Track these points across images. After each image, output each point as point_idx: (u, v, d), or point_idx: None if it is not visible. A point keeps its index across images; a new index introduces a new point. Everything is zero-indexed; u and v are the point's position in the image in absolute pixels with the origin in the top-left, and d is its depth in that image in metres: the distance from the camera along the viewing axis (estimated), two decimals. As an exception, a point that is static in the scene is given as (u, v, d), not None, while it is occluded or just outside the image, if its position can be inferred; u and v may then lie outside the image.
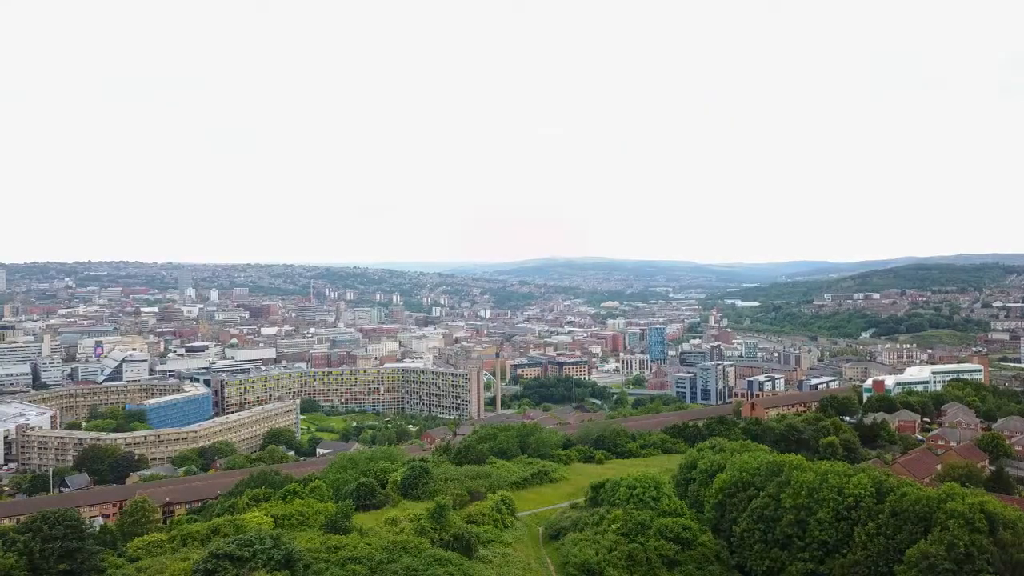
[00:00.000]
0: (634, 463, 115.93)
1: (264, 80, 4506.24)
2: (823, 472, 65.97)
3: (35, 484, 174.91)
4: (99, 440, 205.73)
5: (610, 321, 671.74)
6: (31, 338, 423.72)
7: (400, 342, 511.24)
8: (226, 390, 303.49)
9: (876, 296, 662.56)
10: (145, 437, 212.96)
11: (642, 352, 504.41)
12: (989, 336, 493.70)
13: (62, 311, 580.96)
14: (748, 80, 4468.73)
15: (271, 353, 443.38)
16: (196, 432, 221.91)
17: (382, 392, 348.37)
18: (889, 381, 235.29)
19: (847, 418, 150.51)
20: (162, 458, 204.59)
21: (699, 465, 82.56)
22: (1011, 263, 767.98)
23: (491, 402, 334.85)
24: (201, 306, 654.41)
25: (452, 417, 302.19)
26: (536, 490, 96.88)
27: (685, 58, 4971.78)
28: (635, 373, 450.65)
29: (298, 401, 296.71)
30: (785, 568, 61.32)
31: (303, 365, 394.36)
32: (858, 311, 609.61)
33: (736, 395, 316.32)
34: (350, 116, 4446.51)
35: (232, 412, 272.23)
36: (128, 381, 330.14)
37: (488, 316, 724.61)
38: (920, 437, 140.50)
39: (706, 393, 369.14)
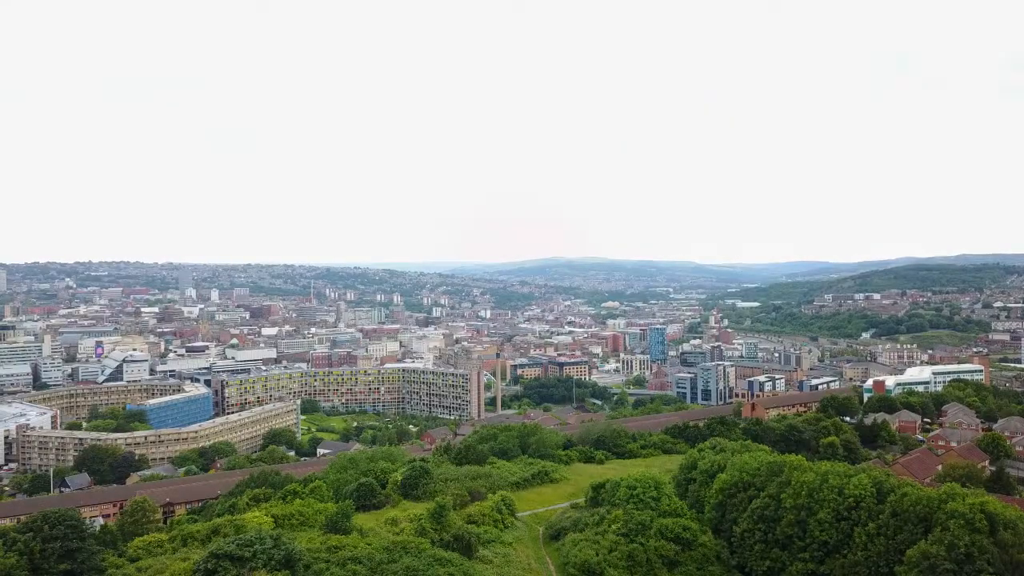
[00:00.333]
0: (635, 463, 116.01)
1: (264, 80, 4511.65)
2: (823, 472, 66.00)
3: (35, 484, 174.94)
4: (99, 440, 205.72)
5: (610, 321, 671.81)
6: (32, 338, 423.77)
7: (401, 342, 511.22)
8: (226, 390, 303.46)
9: (876, 296, 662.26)
10: (145, 437, 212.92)
11: (642, 352, 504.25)
12: (989, 336, 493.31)
13: (63, 311, 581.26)
14: (748, 80, 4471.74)
15: (271, 353, 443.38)
16: (196, 432, 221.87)
17: (382, 392, 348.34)
18: (889, 381, 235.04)
19: (847, 418, 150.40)
20: (162, 458, 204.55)
21: (699, 465, 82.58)
22: (1012, 263, 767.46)
23: (491, 402, 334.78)
24: (202, 306, 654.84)
25: (452, 417, 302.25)
26: (536, 490, 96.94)
27: (685, 58, 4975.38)
28: (635, 373, 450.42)
29: (298, 401, 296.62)
30: (785, 568, 61.32)
31: (303, 365, 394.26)
32: (858, 311, 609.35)
33: (736, 395, 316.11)
34: (350, 116, 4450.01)
35: (232, 412, 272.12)
36: (128, 381, 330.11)
37: (488, 316, 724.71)
38: (920, 437, 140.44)
39: (706, 393, 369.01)
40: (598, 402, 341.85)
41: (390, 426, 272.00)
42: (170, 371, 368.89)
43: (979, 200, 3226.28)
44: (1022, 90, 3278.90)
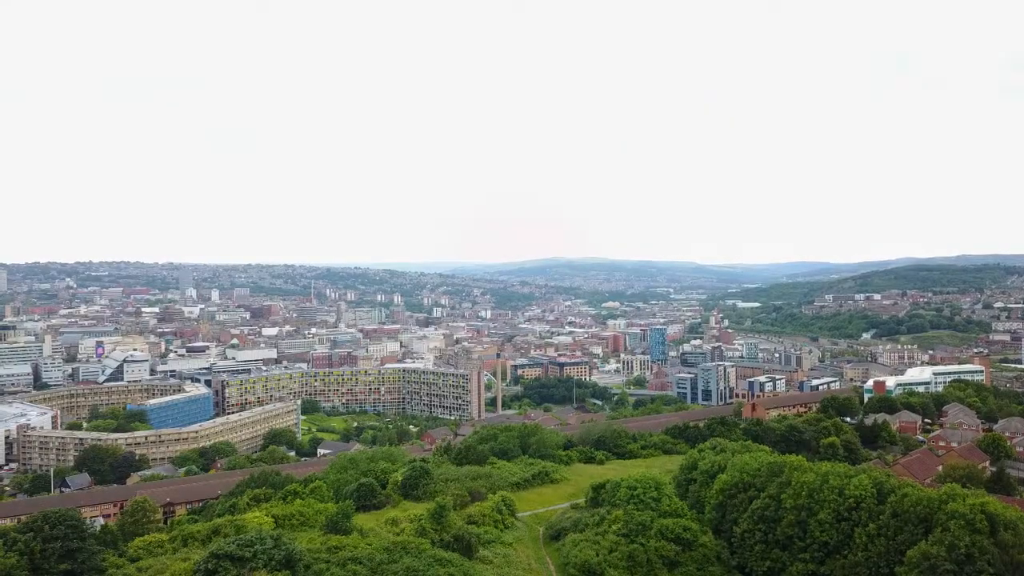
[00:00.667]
0: (635, 464, 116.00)
1: (264, 80, 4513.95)
2: (824, 473, 65.99)
3: (36, 484, 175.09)
4: (100, 440, 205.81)
5: (611, 322, 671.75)
6: (32, 338, 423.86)
7: (401, 342, 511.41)
8: (227, 390, 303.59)
9: (877, 297, 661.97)
10: (146, 437, 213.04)
11: (643, 353, 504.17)
12: (990, 337, 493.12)
13: (63, 311, 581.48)
14: (748, 80, 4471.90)
15: (272, 353, 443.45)
16: (197, 432, 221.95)
17: (383, 392, 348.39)
18: (890, 382, 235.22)
19: (848, 419, 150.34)
20: (163, 458, 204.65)
21: (700, 466, 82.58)
22: (1012, 264, 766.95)
23: (492, 402, 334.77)
24: (202, 306, 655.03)
25: (453, 417, 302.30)
26: (537, 491, 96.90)
27: (685, 58, 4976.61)
28: (636, 374, 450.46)
29: (299, 401, 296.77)
30: (786, 569, 61.32)
31: (304, 365, 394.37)
32: (859, 312, 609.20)
33: (737, 396, 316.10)
34: (351, 116, 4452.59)
35: (233, 412, 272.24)
36: (129, 381, 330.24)
37: (489, 316, 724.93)
38: (921, 438, 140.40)
39: (707, 394, 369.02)
40: (598, 402, 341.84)
41: (390, 426, 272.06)
42: (170, 371, 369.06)
43: (979, 200, 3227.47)
44: (1022, 90, 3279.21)
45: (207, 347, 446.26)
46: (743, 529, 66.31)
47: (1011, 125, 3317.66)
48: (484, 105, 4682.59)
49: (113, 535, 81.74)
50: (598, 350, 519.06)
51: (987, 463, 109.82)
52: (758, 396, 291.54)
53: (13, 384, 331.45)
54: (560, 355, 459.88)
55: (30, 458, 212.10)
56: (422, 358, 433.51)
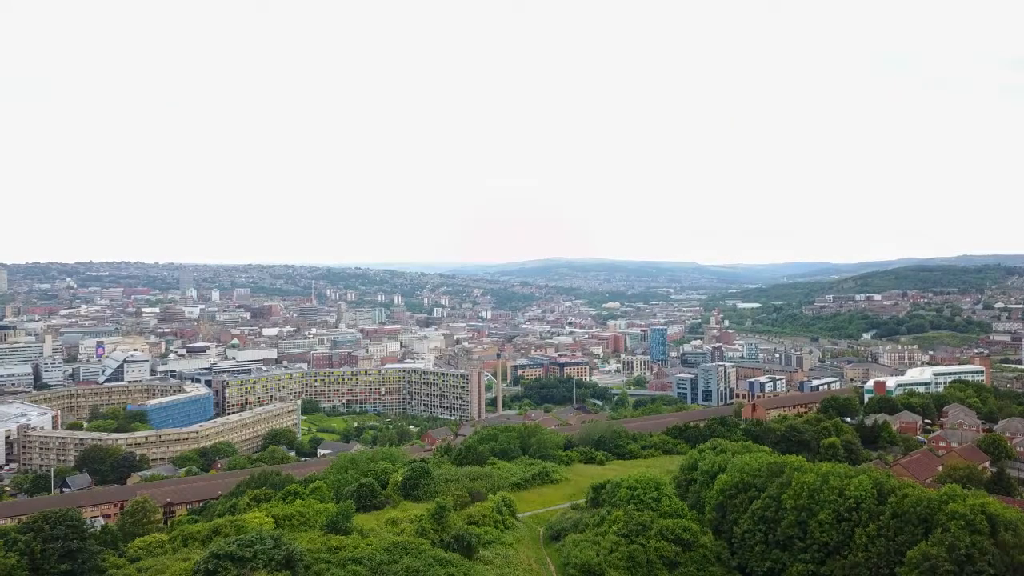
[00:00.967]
0: (635, 464, 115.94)
1: (264, 80, 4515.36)
2: (824, 473, 65.93)
3: (36, 484, 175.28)
4: (100, 440, 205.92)
5: (611, 322, 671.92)
6: (32, 338, 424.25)
7: (401, 343, 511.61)
8: (227, 390, 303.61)
9: (877, 297, 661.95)
10: (146, 437, 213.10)
11: (643, 353, 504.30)
12: (990, 337, 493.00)
13: (63, 311, 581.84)
14: (748, 80, 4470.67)
15: (272, 354, 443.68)
16: (197, 432, 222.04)
17: (383, 393, 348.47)
18: (890, 382, 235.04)
19: (848, 419, 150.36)
20: (163, 458, 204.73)
21: (700, 466, 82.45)
22: (1013, 264, 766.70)
23: (492, 403, 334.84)
24: (202, 307, 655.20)
25: (453, 418, 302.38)
26: (537, 491, 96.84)
27: (685, 58, 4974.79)
28: (636, 374, 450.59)
29: (299, 402, 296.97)
30: (786, 569, 61.28)
31: (304, 366, 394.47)
32: (859, 312, 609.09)
33: (737, 396, 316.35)
34: (351, 116, 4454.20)
35: (233, 413, 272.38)
36: (129, 381, 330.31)
37: (489, 317, 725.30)
38: (921, 438, 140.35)
39: (707, 394, 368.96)
40: (599, 403, 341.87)
41: (391, 426, 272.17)
42: (171, 371, 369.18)
43: (980, 201, 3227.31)
44: (1022, 90, 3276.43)
45: (207, 347, 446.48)
46: (743, 529, 66.28)
47: (1011, 125, 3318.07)
48: (484, 105, 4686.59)
49: (113, 535, 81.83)
50: (598, 350, 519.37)
51: (987, 464, 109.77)
52: (758, 396, 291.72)
53: (13, 384, 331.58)
54: (560, 355, 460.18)
55: (30, 458, 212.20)
56: (422, 358, 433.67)
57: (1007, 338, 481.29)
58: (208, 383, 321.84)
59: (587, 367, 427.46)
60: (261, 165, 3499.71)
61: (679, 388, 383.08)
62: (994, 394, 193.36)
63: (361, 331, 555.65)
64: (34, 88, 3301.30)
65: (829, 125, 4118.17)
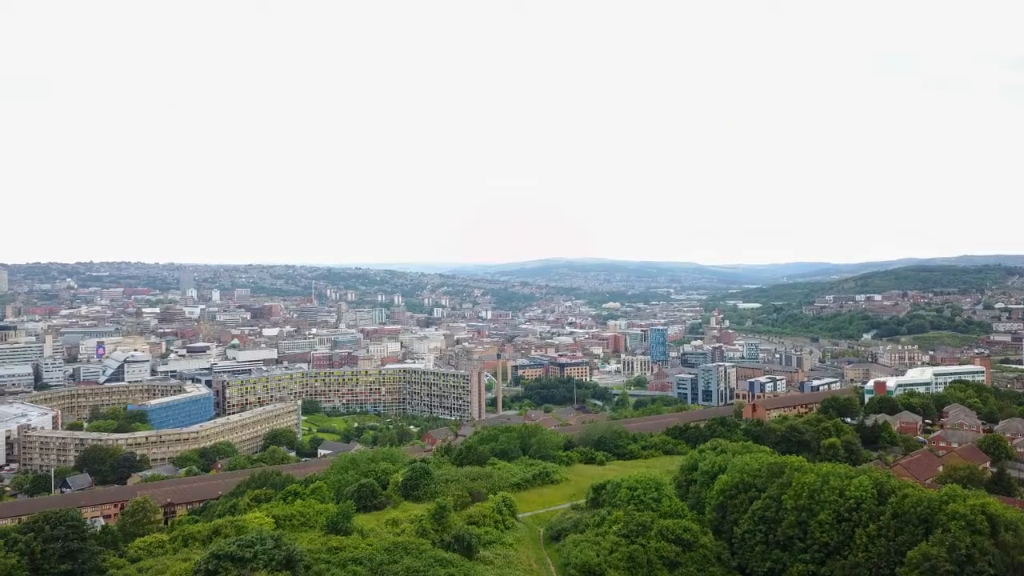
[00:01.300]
0: (635, 464, 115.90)
1: (265, 80, 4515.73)
2: (824, 474, 65.96)
3: (37, 484, 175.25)
4: (100, 440, 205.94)
5: (611, 322, 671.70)
6: (33, 339, 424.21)
7: (401, 343, 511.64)
8: (227, 391, 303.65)
9: (878, 297, 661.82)
10: (146, 438, 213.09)
11: (643, 353, 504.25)
12: (991, 338, 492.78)
13: (64, 312, 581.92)
14: (748, 80, 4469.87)
15: (272, 354, 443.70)
16: (197, 433, 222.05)
17: (383, 393, 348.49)
18: (891, 382, 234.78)
19: (848, 419, 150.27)
20: (163, 459, 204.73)
21: (700, 466, 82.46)
22: (1013, 264, 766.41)
23: (492, 403, 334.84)
24: (203, 307, 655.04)
25: (453, 418, 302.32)
26: (537, 491, 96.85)
27: (685, 58, 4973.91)
28: (636, 374, 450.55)
29: (299, 402, 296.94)
30: (786, 570, 61.31)
31: (304, 366, 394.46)
32: (859, 312, 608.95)
33: (737, 396, 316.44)
34: (351, 116, 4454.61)
35: (233, 413, 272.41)
36: (130, 382, 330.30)
37: (489, 317, 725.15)
38: (921, 439, 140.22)
39: (707, 394, 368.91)
40: (599, 403, 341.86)
41: (391, 427, 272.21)
42: (171, 371, 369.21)
43: (980, 201, 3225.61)
44: (1022, 90, 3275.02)
45: (208, 347, 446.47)
46: (743, 530, 66.30)
47: (1011, 125, 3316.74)
48: (485, 105, 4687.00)
49: (114, 535, 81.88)
50: (599, 351, 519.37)
51: (988, 464, 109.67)
52: (759, 397, 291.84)
53: (14, 384, 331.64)
54: (560, 356, 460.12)
55: (31, 458, 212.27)
56: (422, 358, 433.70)
57: (1007, 338, 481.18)
58: (208, 383, 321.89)
59: (587, 367, 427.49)
60: (261, 165, 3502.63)
61: (679, 388, 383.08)
62: (994, 394, 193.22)
63: (361, 331, 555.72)
64: (34, 88, 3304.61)
65: (829, 125, 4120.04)
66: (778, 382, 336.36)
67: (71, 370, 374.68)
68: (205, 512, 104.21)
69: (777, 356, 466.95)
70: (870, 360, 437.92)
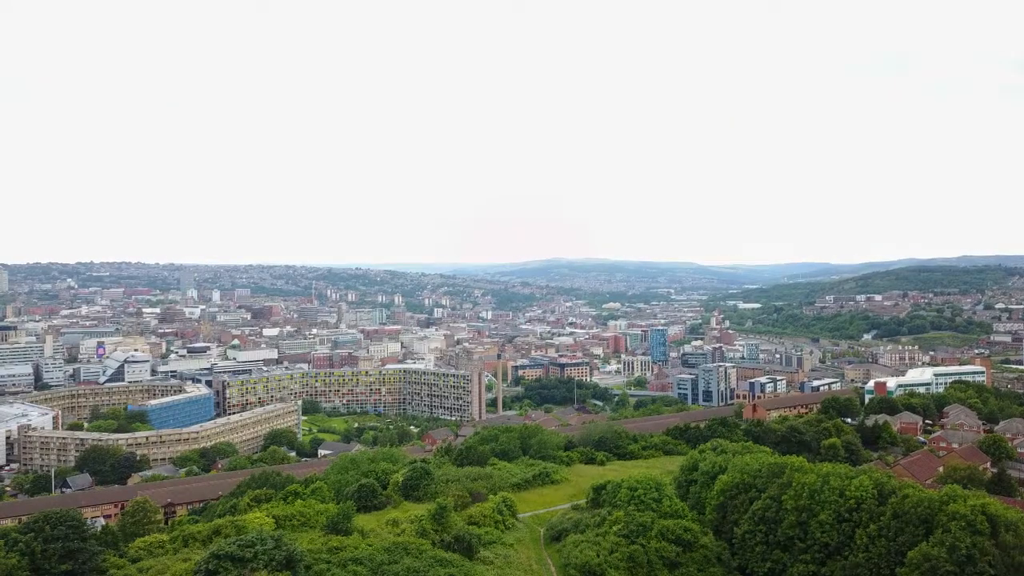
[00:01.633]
0: (635, 464, 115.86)
1: (265, 80, 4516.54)
2: (825, 474, 65.96)
3: (37, 484, 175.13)
4: (101, 441, 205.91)
5: (612, 322, 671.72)
6: (33, 339, 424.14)
7: (402, 343, 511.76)
8: (228, 391, 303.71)
9: (878, 298, 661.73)
10: (147, 438, 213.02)
11: (644, 353, 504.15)
12: (991, 338, 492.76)
13: (64, 312, 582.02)
14: (748, 80, 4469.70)
15: (273, 354, 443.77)
16: (198, 433, 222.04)
17: (383, 393, 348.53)
18: (891, 383, 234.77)
19: (849, 420, 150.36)
20: (163, 459, 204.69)
21: (700, 467, 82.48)
22: (1013, 265, 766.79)
23: (492, 403, 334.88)
24: (203, 307, 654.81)
25: (454, 418, 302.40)
26: (537, 491, 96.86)
27: (685, 58, 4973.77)
28: (637, 374, 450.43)
29: (299, 402, 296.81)
30: (787, 570, 61.31)
31: (305, 366, 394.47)
32: (860, 313, 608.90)
33: (738, 396, 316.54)
34: (352, 116, 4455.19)
35: (233, 413, 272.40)
36: (130, 382, 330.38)
37: (490, 317, 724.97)
38: (922, 439, 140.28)
39: (708, 395, 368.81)
40: (599, 403, 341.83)
41: (391, 427, 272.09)
42: (171, 372, 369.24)
43: (981, 201, 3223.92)
44: (1022, 90, 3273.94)
45: (208, 348, 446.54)
46: (744, 530, 66.30)
47: (1011, 125, 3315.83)
48: (485, 106, 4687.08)
49: (114, 535, 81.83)
50: (599, 351, 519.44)
51: (988, 464, 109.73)
52: (759, 397, 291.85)
53: (14, 384, 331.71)
54: (561, 356, 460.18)
55: (31, 458, 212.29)
56: (423, 359, 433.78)
57: (1008, 339, 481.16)
58: (209, 383, 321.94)
59: (587, 368, 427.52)
60: (262, 166, 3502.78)
61: (679, 389, 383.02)
62: (995, 395, 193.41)
63: (362, 331, 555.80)
64: (34, 88, 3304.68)
65: (829, 125, 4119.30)
66: (778, 382, 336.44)
67: (71, 370, 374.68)
68: (205, 512, 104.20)
69: (777, 356, 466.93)
70: (870, 360, 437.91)
